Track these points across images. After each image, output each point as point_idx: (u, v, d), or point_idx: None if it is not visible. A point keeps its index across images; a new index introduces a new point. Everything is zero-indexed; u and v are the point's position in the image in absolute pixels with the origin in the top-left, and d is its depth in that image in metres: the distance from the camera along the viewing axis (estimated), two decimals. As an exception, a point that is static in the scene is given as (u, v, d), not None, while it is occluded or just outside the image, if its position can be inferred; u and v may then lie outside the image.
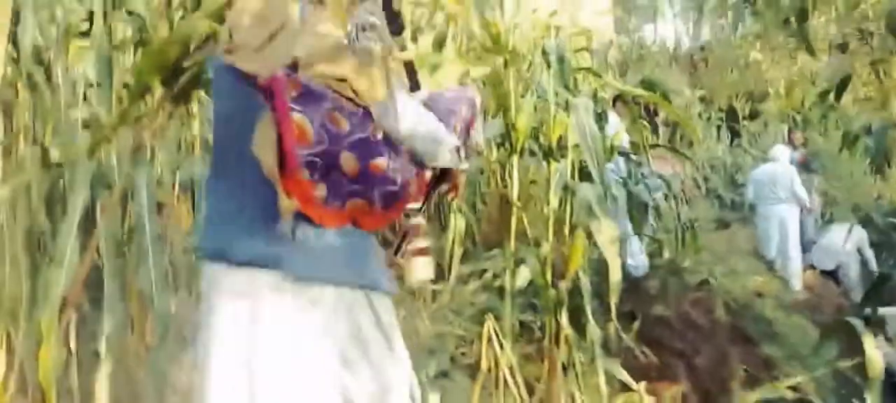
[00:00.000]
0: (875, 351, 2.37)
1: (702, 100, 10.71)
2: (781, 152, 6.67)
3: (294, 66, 1.12)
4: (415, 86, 1.33)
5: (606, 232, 2.16)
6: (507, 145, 2.79)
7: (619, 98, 5.35)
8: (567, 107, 2.50)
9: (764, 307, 4.89)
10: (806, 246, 6.60)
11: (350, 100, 1.17)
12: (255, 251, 1.19)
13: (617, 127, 5.04)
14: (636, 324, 3.55)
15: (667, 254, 4.86)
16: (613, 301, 2.32)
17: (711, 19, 21.08)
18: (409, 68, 1.33)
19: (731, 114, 9.95)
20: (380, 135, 1.20)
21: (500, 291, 3.58)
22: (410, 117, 1.24)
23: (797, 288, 6.09)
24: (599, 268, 4.16)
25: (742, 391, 3.86)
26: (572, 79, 2.60)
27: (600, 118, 3.43)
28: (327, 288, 1.23)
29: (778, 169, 6.54)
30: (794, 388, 3.52)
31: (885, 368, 2.73)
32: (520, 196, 2.79)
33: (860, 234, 6.46)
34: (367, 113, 1.18)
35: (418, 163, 1.27)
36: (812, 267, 6.71)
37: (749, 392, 3.70)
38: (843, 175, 8.41)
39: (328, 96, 1.15)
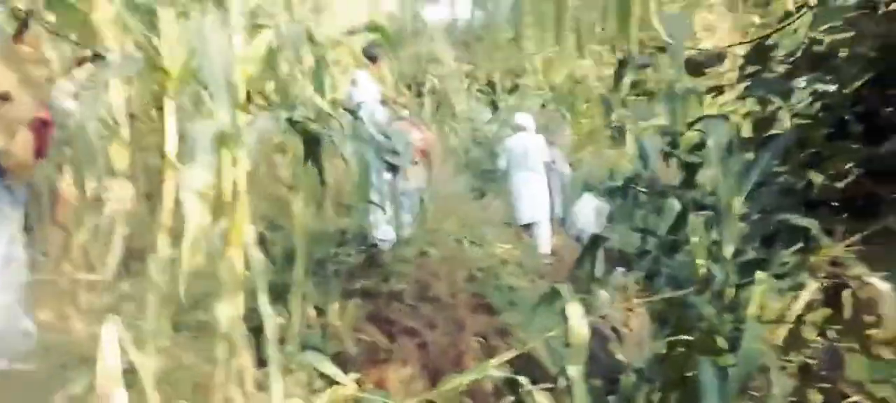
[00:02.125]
0: (579, 321, 2.15)
1: (468, 75, 10.84)
2: (526, 120, 6.87)
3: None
4: None
5: (194, 178, 1.64)
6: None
7: (374, 58, 4.92)
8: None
9: (507, 274, 4.81)
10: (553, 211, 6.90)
11: None
12: None
13: (366, 86, 4.61)
14: (351, 306, 3.14)
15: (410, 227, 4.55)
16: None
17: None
18: None
19: (493, 88, 10.20)
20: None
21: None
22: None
23: (545, 252, 6.30)
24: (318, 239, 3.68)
25: (476, 363, 3.66)
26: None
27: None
28: None
29: (530, 138, 6.73)
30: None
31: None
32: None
33: (599, 203, 6.86)
34: None
35: None
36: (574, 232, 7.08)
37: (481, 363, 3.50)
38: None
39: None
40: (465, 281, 4.38)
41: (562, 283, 3.24)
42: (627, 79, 10.06)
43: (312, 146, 3.06)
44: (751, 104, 3.55)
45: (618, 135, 10.06)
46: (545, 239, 6.55)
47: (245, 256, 1.94)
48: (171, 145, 2.07)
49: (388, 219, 4.66)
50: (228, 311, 1.95)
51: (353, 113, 3.45)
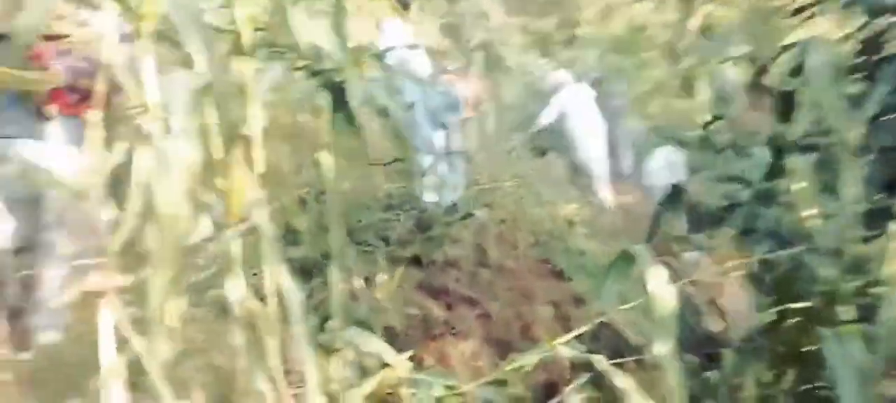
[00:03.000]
0: (663, 288, 1.76)
1: (522, 29, 10.34)
2: (562, 76, 6.63)
3: None
4: None
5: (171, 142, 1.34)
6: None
7: (406, 5, 4.55)
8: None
9: (576, 237, 4.42)
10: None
11: None
12: None
13: (396, 32, 4.27)
14: (398, 274, 2.82)
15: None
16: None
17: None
18: None
19: (549, 41, 9.67)
20: None
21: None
22: None
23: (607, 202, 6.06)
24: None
25: (548, 335, 3.32)
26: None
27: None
28: None
29: (579, 90, 6.48)
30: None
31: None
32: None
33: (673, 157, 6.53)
34: None
35: None
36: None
37: (554, 336, 3.16)
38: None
39: None
40: (529, 245, 4.01)
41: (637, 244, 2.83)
42: (695, 22, 9.36)
43: (339, 98, 2.74)
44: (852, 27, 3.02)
45: (687, 85, 9.45)
46: (605, 185, 6.36)
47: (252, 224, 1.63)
48: (150, 100, 1.76)
49: (439, 181, 4.34)
50: (238, 288, 1.66)
51: (380, 59, 3.11)
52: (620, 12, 10.20)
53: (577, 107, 6.57)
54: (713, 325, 2.63)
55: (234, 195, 1.60)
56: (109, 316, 1.43)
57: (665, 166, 6.66)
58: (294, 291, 1.65)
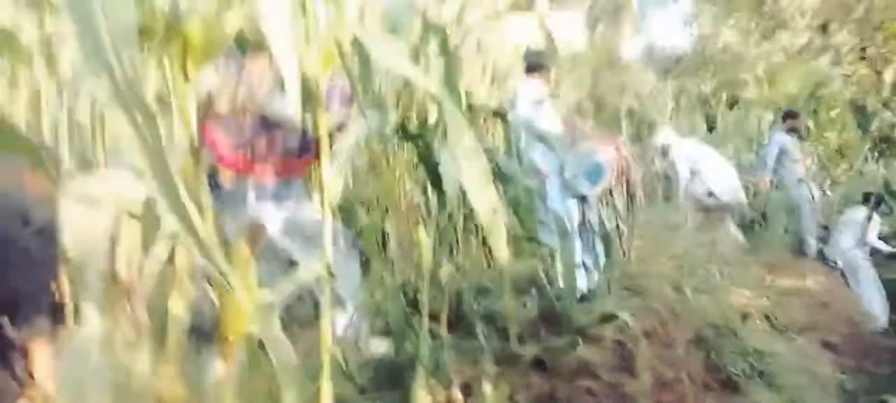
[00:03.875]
0: None
1: (677, 92, 9.46)
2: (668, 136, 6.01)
3: None
4: None
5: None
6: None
7: (537, 68, 3.96)
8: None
9: (753, 334, 3.46)
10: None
11: None
12: None
13: (525, 91, 3.68)
14: (504, 385, 2.13)
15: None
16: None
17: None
18: None
19: (708, 105, 8.64)
20: None
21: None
22: None
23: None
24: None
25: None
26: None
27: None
28: None
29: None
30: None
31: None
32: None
33: (862, 218, 5.41)
34: None
35: None
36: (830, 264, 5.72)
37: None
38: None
39: None
40: (691, 343, 3.15)
41: (842, 349, 1.93)
42: (888, 77, 7.93)
43: (437, 170, 2.18)
44: None
45: (885, 147, 7.97)
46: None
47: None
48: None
49: (577, 264, 3.60)
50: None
51: (500, 116, 2.53)
52: (792, 69, 8.96)
53: (696, 156, 5.84)
54: None
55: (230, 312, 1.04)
56: None
57: (855, 228, 5.54)
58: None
